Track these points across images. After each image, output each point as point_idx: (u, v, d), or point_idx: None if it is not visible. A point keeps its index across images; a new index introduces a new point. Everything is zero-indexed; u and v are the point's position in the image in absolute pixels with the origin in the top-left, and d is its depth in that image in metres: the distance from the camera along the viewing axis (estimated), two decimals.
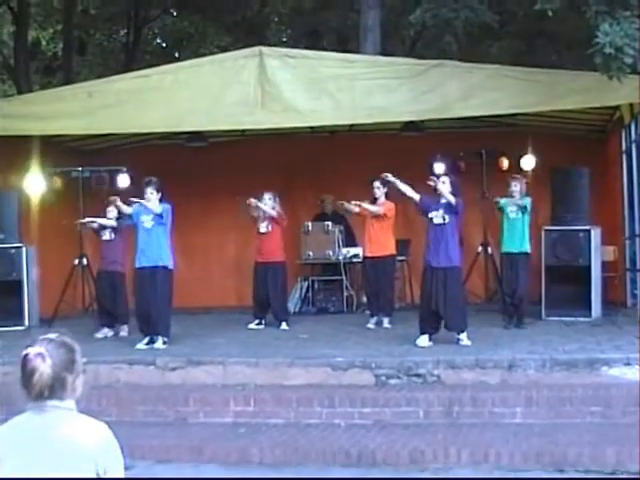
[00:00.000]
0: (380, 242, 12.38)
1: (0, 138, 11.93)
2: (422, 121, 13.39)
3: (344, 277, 14.43)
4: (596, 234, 12.47)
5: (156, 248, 10.89)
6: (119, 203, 11.08)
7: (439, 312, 10.41)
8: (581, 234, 12.35)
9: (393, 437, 8.19)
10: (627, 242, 13.26)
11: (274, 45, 16.13)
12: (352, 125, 13.98)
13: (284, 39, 26.46)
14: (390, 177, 10.94)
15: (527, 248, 11.85)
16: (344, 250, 14.48)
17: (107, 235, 12.21)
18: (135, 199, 11.04)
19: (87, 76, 24.00)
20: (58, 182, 14.16)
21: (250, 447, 8.13)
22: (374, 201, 12.40)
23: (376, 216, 12.31)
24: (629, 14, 9.21)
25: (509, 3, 18.55)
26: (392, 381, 9.25)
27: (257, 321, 12.79)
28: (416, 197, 10.64)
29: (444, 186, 10.41)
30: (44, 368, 3.05)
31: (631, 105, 11.79)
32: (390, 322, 12.42)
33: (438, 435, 8.16)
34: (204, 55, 18.43)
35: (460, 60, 12.51)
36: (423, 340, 10.38)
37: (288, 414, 8.89)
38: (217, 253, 16.10)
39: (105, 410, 8.58)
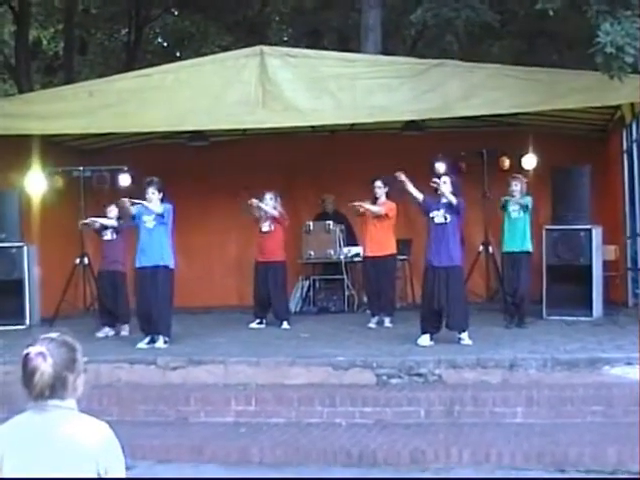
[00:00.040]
0: (381, 242, 12.38)
1: (1, 137, 11.94)
2: (423, 120, 13.38)
3: (345, 276, 14.43)
4: (597, 233, 12.46)
5: (157, 248, 10.90)
6: (128, 205, 11.07)
7: (441, 311, 10.41)
8: (582, 233, 12.34)
9: (394, 437, 8.19)
10: (628, 241, 13.26)
11: (275, 44, 16.10)
12: (353, 124, 13.97)
13: (285, 38, 26.46)
14: (403, 177, 10.84)
15: (529, 247, 11.85)
16: (345, 249, 14.49)
17: (109, 235, 12.22)
18: (137, 200, 11.04)
19: (88, 75, 24.00)
20: (59, 181, 14.15)
21: (251, 447, 8.13)
22: (375, 201, 12.40)
23: (377, 216, 12.31)
24: (630, 13, 9.20)
25: (510, 2, 18.56)
26: (393, 380, 9.24)
27: (258, 320, 12.79)
28: (420, 197, 10.63)
29: (445, 186, 10.41)
30: (45, 367, 3.05)
31: (632, 104, 11.79)
32: (391, 321, 12.42)
33: (439, 435, 8.16)
34: (205, 54, 18.42)
35: (461, 59, 12.51)
36: (424, 339, 10.38)
37: (289, 413, 8.89)
38: (218, 252, 16.09)
39: (106, 409, 8.59)
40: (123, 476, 3.13)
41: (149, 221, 10.97)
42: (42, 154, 13.30)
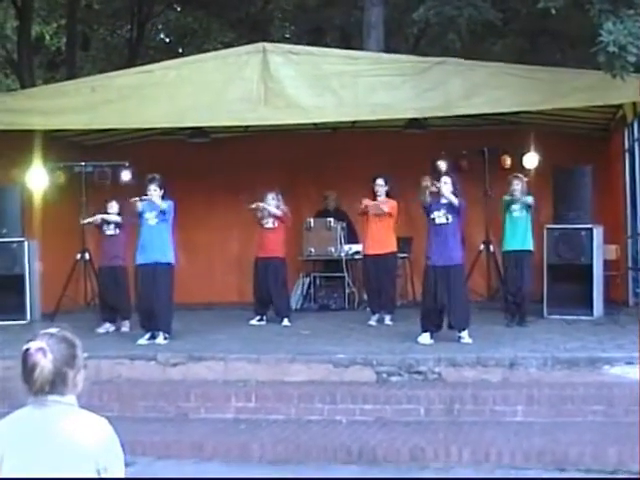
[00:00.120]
0: (382, 240, 12.38)
1: (3, 132, 11.94)
2: (425, 119, 13.38)
3: (346, 274, 14.43)
4: (598, 232, 12.46)
5: (159, 244, 10.92)
6: (139, 203, 11.06)
7: (442, 310, 10.42)
8: (583, 232, 12.34)
9: (394, 434, 8.19)
10: (629, 241, 13.25)
11: (277, 41, 16.11)
12: (355, 122, 13.97)
13: (287, 36, 26.47)
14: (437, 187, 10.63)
15: (530, 246, 11.85)
16: (346, 247, 14.48)
17: (111, 230, 12.22)
18: (145, 197, 11.02)
19: (90, 71, 23.97)
20: (61, 177, 14.16)
21: (251, 443, 8.14)
22: (374, 198, 12.39)
23: (378, 214, 12.30)
24: (633, 13, 9.19)
25: (512, 1, 18.51)
26: (393, 378, 9.25)
27: (258, 317, 12.79)
28: (456, 201, 10.44)
29: (446, 187, 10.40)
30: (45, 363, 3.05)
31: (634, 104, 11.78)
32: (392, 319, 12.42)
33: (439, 433, 8.17)
34: (208, 51, 18.36)
35: (463, 58, 12.48)
36: (425, 338, 10.38)
37: (289, 410, 8.89)
38: (219, 249, 16.09)
39: (106, 405, 8.60)
40: (122, 472, 3.13)
41: (151, 218, 10.98)
42: (44, 149, 13.30)
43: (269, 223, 12.74)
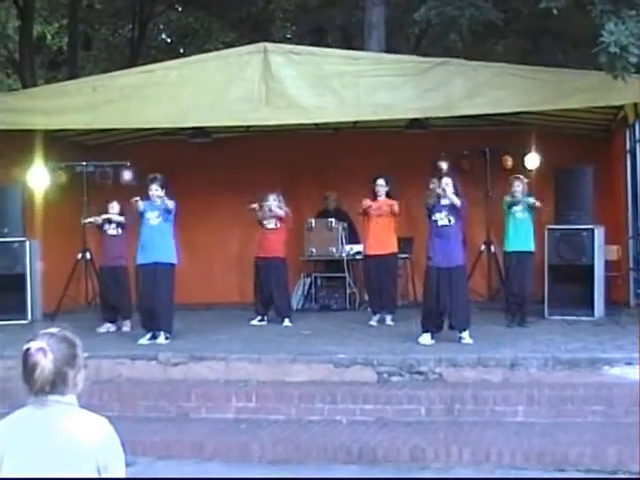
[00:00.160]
0: (383, 240, 12.38)
1: (5, 132, 11.95)
2: (426, 119, 13.38)
3: (347, 274, 14.43)
4: (599, 233, 12.46)
5: (161, 244, 10.92)
6: (140, 203, 11.07)
7: (443, 311, 10.42)
8: (584, 233, 12.34)
9: (394, 434, 8.20)
10: (630, 241, 13.24)
11: (279, 42, 16.12)
12: (356, 122, 13.96)
13: (289, 36, 26.47)
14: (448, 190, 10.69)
15: (532, 247, 11.85)
16: (347, 247, 14.49)
17: (113, 230, 12.23)
18: (158, 196, 11.02)
19: (92, 71, 23.99)
20: (62, 177, 14.16)
21: (251, 443, 8.15)
22: (375, 198, 12.39)
23: (380, 214, 12.30)
24: (634, 13, 9.19)
25: (514, 1, 18.51)
26: (394, 378, 9.25)
27: (259, 317, 12.79)
28: (458, 203, 10.47)
29: (448, 188, 10.41)
30: (45, 363, 3.05)
31: (635, 105, 11.77)
32: (393, 319, 12.42)
33: (439, 433, 8.17)
34: (209, 51, 18.38)
35: (465, 58, 12.50)
36: (425, 338, 10.38)
37: (290, 410, 8.90)
38: (220, 249, 16.09)
39: (107, 405, 8.60)
40: (123, 472, 3.13)
41: (153, 218, 10.98)
42: (45, 149, 13.31)
43: (271, 224, 12.74)
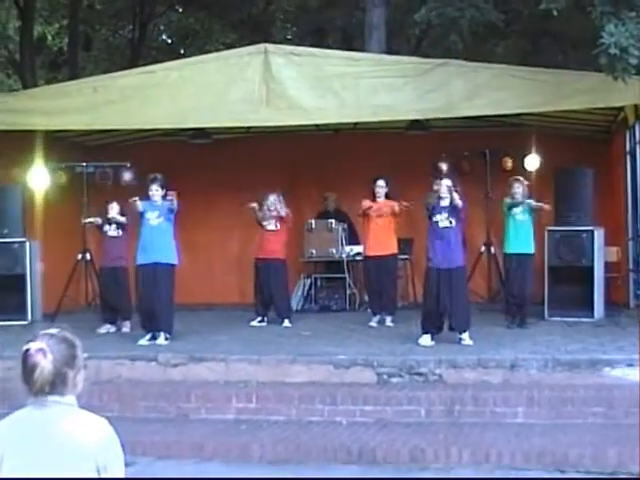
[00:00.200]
0: (383, 241, 12.39)
1: (5, 133, 11.96)
2: (427, 120, 13.38)
3: (347, 275, 14.43)
4: (599, 234, 12.46)
5: (161, 245, 10.92)
6: (138, 203, 11.08)
7: (444, 313, 10.42)
8: (584, 234, 12.34)
9: (394, 435, 8.20)
10: (630, 243, 13.24)
11: (279, 43, 16.11)
12: (356, 123, 13.96)
13: (289, 37, 26.47)
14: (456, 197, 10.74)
15: (532, 249, 11.85)
16: (347, 248, 14.49)
17: (114, 232, 12.22)
18: (171, 195, 11.04)
19: (92, 71, 24.00)
20: (62, 177, 14.17)
21: (251, 444, 8.15)
22: (374, 199, 12.39)
23: (380, 215, 12.31)
24: (634, 15, 9.19)
25: (514, 2, 18.52)
26: (394, 379, 9.25)
27: (259, 318, 12.79)
28: (460, 203, 10.54)
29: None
30: (45, 364, 3.05)
31: (635, 106, 11.78)
32: (392, 321, 12.42)
33: (439, 434, 8.17)
34: (209, 52, 18.39)
35: (465, 59, 12.50)
36: (425, 339, 10.38)
37: (290, 411, 8.90)
38: (220, 250, 16.09)
39: (106, 406, 8.60)
40: (122, 472, 3.13)
41: (153, 218, 10.98)
42: (45, 150, 13.30)
43: (271, 225, 12.73)
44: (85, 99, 11.75)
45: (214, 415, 9.00)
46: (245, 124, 13.14)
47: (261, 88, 11.37)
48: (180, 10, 26.96)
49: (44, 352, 3.05)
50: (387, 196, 12.40)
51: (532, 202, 11.82)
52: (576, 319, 12.03)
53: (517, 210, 11.77)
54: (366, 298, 13.55)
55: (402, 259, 14.00)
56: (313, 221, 14.74)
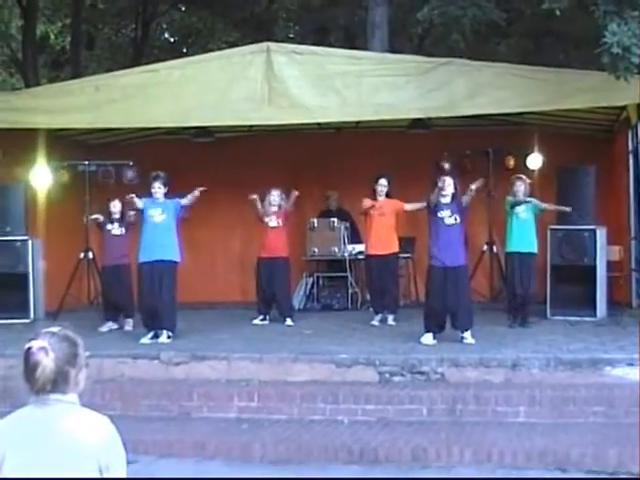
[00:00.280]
0: (385, 240, 12.38)
1: (8, 131, 11.97)
2: (429, 119, 13.38)
3: (349, 274, 14.44)
4: (602, 234, 12.46)
5: (164, 242, 10.91)
6: (136, 200, 11.09)
7: (449, 311, 10.41)
8: (586, 233, 12.35)
9: (396, 434, 8.20)
10: (633, 242, 13.22)
11: (282, 41, 16.11)
12: (358, 122, 13.97)
13: (292, 35, 26.48)
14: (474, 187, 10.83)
15: (534, 248, 11.84)
16: (349, 247, 14.49)
17: (117, 230, 12.25)
18: (196, 193, 11.10)
19: (95, 70, 24.00)
20: (65, 176, 14.19)
21: (253, 443, 8.15)
22: (375, 198, 12.39)
23: (383, 213, 12.31)
24: (637, 14, 9.19)
25: (517, 1, 18.52)
26: (396, 378, 9.25)
27: (261, 317, 12.80)
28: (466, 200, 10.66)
29: (450, 188, 10.47)
30: (47, 362, 3.06)
31: (638, 105, 11.74)
32: (395, 319, 12.42)
33: (441, 433, 8.17)
34: (212, 51, 18.40)
35: (468, 58, 12.51)
36: (427, 338, 10.38)
37: (291, 410, 8.90)
38: (222, 248, 16.11)
39: (109, 404, 8.60)
40: (124, 471, 3.14)
41: (156, 215, 10.98)
42: (48, 148, 13.32)
43: (272, 222, 12.73)
44: (87, 98, 11.76)
45: (216, 414, 9.01)
46: (247, 123, 13.14)
47: (263, 87, 11.38)
48: (183, 9, 26.99)
49: (46, 350, 3.06)
50: (388, 195, 12.40)
51: (540, 203, 11.83)
52: (578, 318, 12.03)
53: (520, 209, 11.76)
54: (368, 297, 13.56)
55: (404, 258, 14.01)
56: (315, 220, 14.74)
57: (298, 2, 25.55)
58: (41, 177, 13.56)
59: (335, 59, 11.68)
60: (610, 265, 12.98)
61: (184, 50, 26.50)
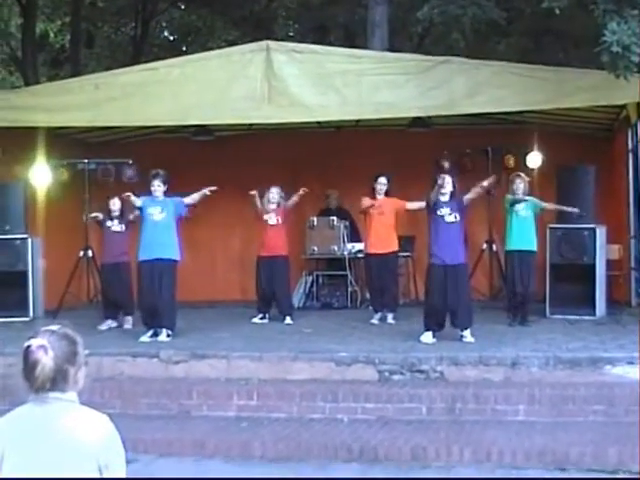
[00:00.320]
0: (384, 239, 12.38)
1: (7, 130, 11.96)
2: (429, 117, 13.38)
3: (348, 272, 14.44)
4: (601, 232, 12.47)
5: (164, 240, 10.90)
6: (133, 198, 11.09)
7: (448, 310, 10.41)
8: (586, 232, 12.35)
9: (395, 433, 8.20)
10: (632, 241, 13.23)
11: (281, 40, 16.11)
12: (358, 121, 13.96)
13: (291, 34, 26.49)
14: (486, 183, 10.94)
15: (534, 247, 11.84)
16: (349, 245, 14.49)
17: (117, 227, 12.26)
18: (199, 194, 11.15)
19: (95, 68, 24.01)
20: (64, 174, 14.20)
21: (252, 441, 8.15)
22: (374, 197, 12.39)
23: (382, 212, 12.31)
24: (637, 13, 9.19)
25: (516, 0, 18.51)
26: (395, 377, 9.25)
27: (261, 315, 12.80)
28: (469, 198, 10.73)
29: (449, 186, 10.48)
30: (46, 360, 3.05)
31: (638, 104, 11.74)
32: (394, 318, 12.42)
33: (440, 432, 8.17)
34: (211, 49, 18.40)
35: (467, 57, 12.50)
36: (427, 337, 10.38)
37: (291, 408, 8.90)
38: (222, 247, 16.11)
39: (108, 402, 8.59)
40: (124, 470, 3.14)
41: (156, 213, 10.97)
42: (47, 147, 13.32)
43: (272, 219, 12.73)
44: (87, 96, 11.76)
45: (215, 412, 9.01)
46: (247, 121, 13.13)
47: (263, 85, 11.37)
48: (182, 7, 26.97)
49: (45, 349, 3.06)
50: (387, 193, 12.40)
51: (541, 202, 11.84)
52: (577, 317, 12.04)
53: (520, 206, 11.75)
54: (367, 295, 13.57)
55: (404, 256, 14.01)
56: (315, 218, 14.74)
57: (298, 1, 25.53)
58: (41, 175, 13.56)
59: (335, 58, 11.68)
60: (609, 264, 12.99)
61: (184, 48, 26.49)
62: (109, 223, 12.28)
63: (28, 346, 3.08)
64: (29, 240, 13.10)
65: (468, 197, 10.65)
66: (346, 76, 11.37)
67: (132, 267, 12.08)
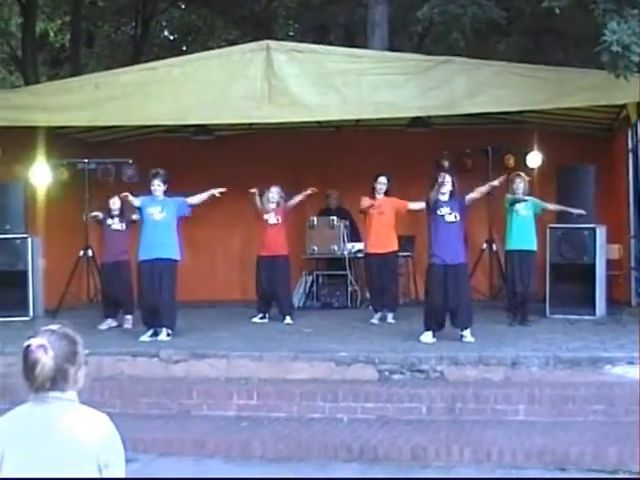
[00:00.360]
0: (384, 238, 12.39)
1: (7, 129, 11.96)
2: (429, 117, 13.37)
3: (349, 272, 14.44)
4: (601, 232, 12.47)
5: (164, 240, 10.90)
6: (131, 198, 11.09)
7: (449, 309, 10.40)
8: (586, 232, 12.35)
9: (395, 433, 8.20)
10: (632, 240, 13.23)
11: (281, 39, 16.11)
12: (358, 120, 13.96)
13: (291, 33, 26.48)
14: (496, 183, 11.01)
15: (534, 246, 11.84)
16: (349, 245, 14.49)
17: (117, 225, 12.26)
18: (207, 194, 11.20)
19: (95, 68, 24.01)
20: (64, 173, 14.20)
21: (252, 441, 8.15)
22: (374, 196, 12.39)
23: (382, 212, 12.31)
24: (637, 12, 9.19)
25: (516, 0, 18.52)
26: (395, 377, 9.25)
27: (261, 315, 12.80)
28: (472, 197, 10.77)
29: (448, 186, 10.47)
30: (46, 360, 3.05)
31: (638, 104, 11.74)
32: (394, 318, 12.42)
33: (440, 432, 8.17)
34: (212, 48, 18.40)
35: (467, 57, 12.49)
36: (427, 336, 10.38)
37: (291, 408, 8.90)
38: (222, 247, 16.11)
39: (108, 402, 8.59)
40: (123, 469, 3.14)
41: (156, 213, 10.97)
42: (47, 146, 13.32)
43: (272, 218, 12.73)
44: (87, 95, 11.75)
45: (215, 412, 9.00)
46: (247, 121, 13.13)
47: (263, 85, 11.37)
48: (182, 7, 26.96)
49: (45, 348, 3.06)
50: (387, 193, 12.40)
51: (542, 203, 11.85)
52: (578, 317, 12.04)
53: (520, 206, 11.75)
54: (367, 295, 13.56)
55: (404, 256, 14.01)
56: (315, 218, 14.74)
57: (298, 0, 25.53)
58: (41, 175, 13.56)
59: (335, 57, 11.68)
60: (609, 263, 12.99)
61: (184, 48, 26.48)
62: (109, 221, 12.29)
63: (28, 345, 3.08)
64: (29, 240, 13.10)
65: (472, 197, 10.65)
66: (346, 76, 11.37)
67: (132, 266, 12.08)
